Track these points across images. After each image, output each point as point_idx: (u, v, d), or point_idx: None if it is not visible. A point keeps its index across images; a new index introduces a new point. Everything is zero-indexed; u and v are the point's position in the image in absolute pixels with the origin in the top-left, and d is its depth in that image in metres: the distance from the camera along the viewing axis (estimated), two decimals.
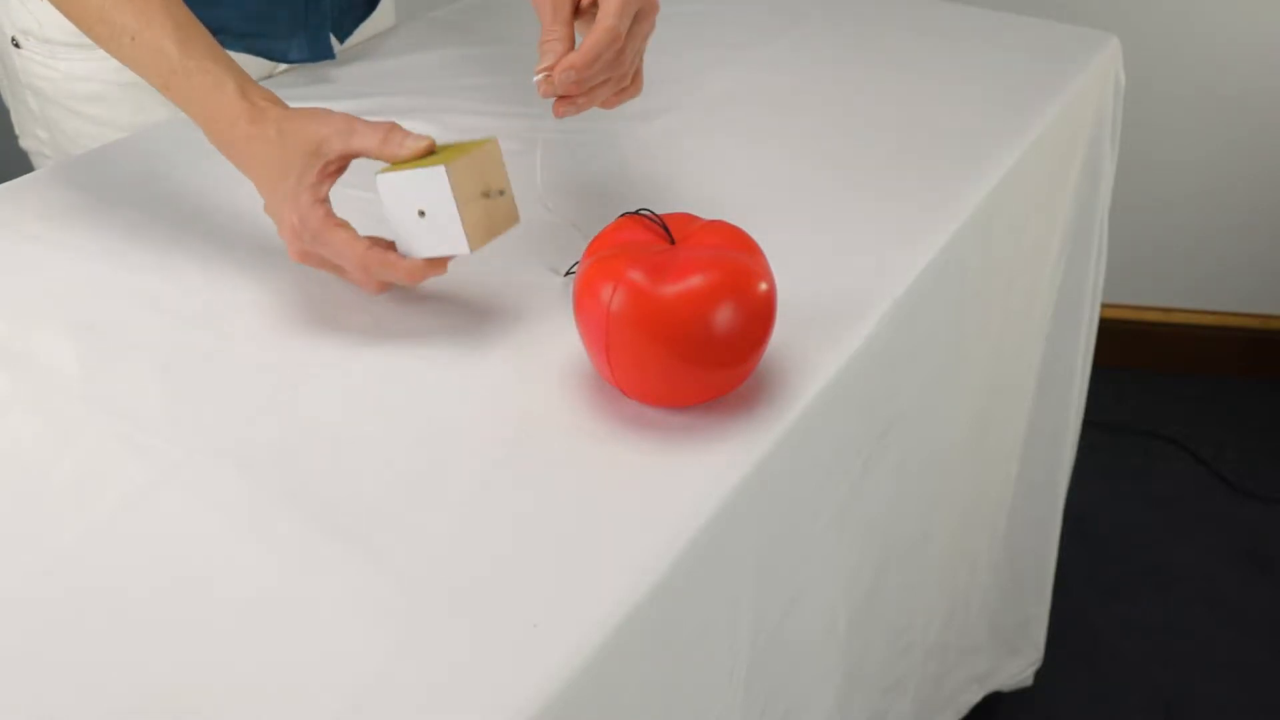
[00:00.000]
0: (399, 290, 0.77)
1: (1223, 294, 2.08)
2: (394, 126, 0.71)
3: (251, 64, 1.04)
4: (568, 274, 0.77)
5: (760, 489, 0.64)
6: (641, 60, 0.79)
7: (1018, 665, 1.44)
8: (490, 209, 0.70)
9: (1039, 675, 1.48)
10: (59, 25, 0.99)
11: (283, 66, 1.08)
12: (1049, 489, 1.31)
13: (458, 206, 0.68)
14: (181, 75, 0.78)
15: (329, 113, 0.73)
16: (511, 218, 0.72)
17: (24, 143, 1.11)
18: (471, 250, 0.69)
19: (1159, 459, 1.94)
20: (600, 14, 0.74)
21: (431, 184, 0.68)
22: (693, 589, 0.60)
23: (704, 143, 0.96)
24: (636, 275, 0.63)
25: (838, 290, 0.78)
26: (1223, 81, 1.91)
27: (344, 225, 0.71)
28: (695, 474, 0.62)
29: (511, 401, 0.68)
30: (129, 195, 0.88)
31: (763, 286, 0.65)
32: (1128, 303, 2.08)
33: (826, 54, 1.13)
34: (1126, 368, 2.06)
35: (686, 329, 0.63)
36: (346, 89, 1.04)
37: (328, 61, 1.08)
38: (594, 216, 0.86)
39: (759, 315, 0.65)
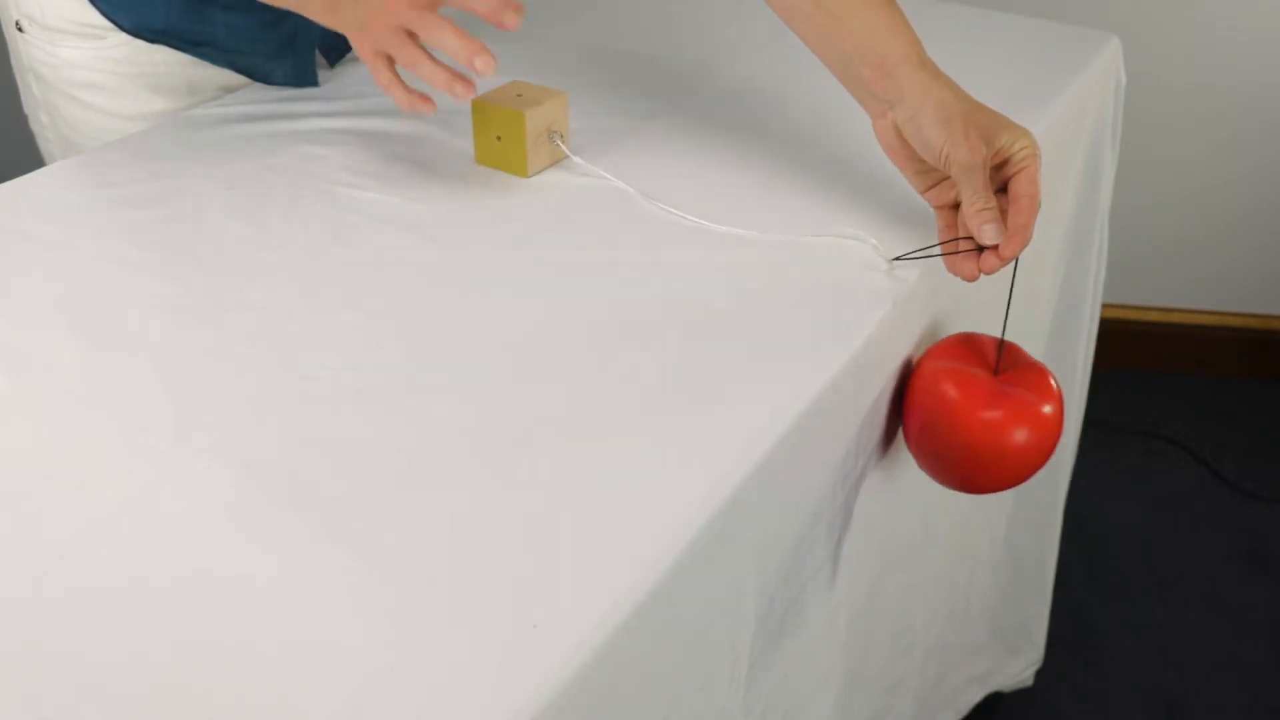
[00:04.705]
0: (395, 289, 0.77)
1: (1223, 294, 2.08)
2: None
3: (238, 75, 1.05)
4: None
5: (760, 489, 0.64)
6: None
7: (1018, 665, 1.44)
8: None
9: (1039, 675, 1.48)
10: (59, 13, 1.00)
11: None
12: (1049, 489, 1.31)
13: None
14: None
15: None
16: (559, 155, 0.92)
17: (31, 124, 1.11)
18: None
19: (1159, 459, 1.94)
20: (1025, 189, 0.77)
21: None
22: (693, 589, 0.60)
23: (704, 142, 0.96)
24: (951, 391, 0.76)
25: (838, 288, 0.78)
26: (1223, 81, 1.91)
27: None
28: (695, 474, 0.62)
29: (511, 401, 0.68)
30: (129, 195, 0.88)
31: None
32: (1128, 303, 2.08)
33: None
34: (1126, 368, 2.06)
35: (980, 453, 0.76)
36: (348, 89, 1.03)
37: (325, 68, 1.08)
38: (593, 215, 0.86)
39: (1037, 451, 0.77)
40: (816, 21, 0.84)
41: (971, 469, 0.78)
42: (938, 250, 0.80)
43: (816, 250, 0.82)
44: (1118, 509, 1.82)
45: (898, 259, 0.80)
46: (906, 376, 0.81)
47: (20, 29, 1.03)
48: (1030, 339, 1.15)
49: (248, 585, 0.55)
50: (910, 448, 0.81)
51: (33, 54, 1.04)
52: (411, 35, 0.82)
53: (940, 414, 0.77)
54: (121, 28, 0.99)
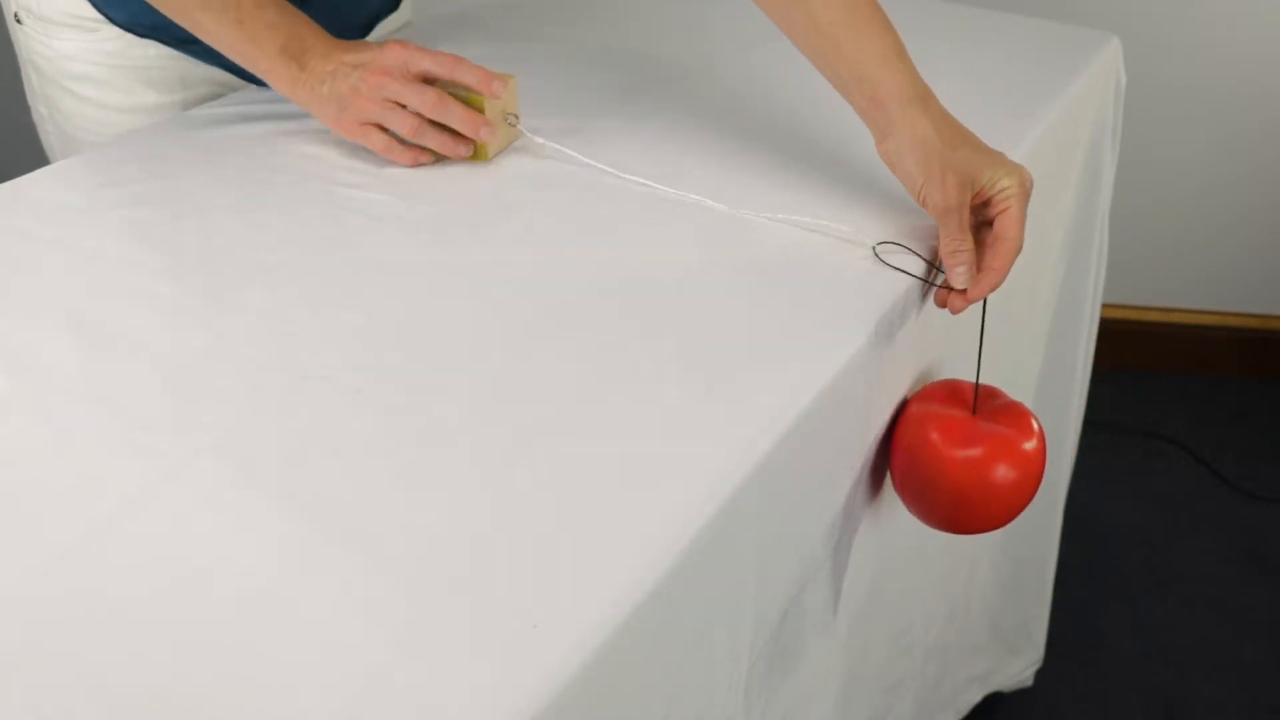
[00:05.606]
0: (395, 289, 0.77)
1: (1223, 294, 2.08)
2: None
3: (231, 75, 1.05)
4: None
5: (760, 489, 0.64)
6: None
7: (1018, 665, 1.44)
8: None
9: (1039, 675, 1.48)
10: (55, 5, 1.00)
11: None
12: (1049, 489, 1.31)
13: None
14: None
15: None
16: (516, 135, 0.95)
17: (33, 115, 1.12)
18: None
19: (1159, 459, 1.94)
20: (1005, 231, 0.78)
21: None
22: (693, 589, 0.60)
23: (704, 141, 0.96)
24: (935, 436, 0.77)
25: (838, 288, 0.78)
26: (1223, 81, 1.91)
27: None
28: (695, 474, 0.62)
29: (511, 400, 0.68)
30: (129, 195, 0.88)
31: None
32: (1128, 303, 2.08)
33: None
34: (1126, 368, 2.06)
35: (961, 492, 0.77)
36: None
37: None
38: (592, 213, 0.86)
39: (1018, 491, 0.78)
40: (812, 40, 0.85)
41: (953, 508, 0.79)
42: (918, 248, 0.80)
43: (818, 249, 0.82)
44: (1118, 509, 1.82)
45: (881, 244, 0.80)
46: (900, 405, 0.81)
47: (19, 21, 1.04)
48: (1030, 339, 1.15)
49: (248, 585, 0.55)
50: (899, 494, 0.82)
51: (31, 46, 1.05)
52: (401, 105, 0.88)
53: (920, 456, 0.78)
54: (114, 21, 1.00)
